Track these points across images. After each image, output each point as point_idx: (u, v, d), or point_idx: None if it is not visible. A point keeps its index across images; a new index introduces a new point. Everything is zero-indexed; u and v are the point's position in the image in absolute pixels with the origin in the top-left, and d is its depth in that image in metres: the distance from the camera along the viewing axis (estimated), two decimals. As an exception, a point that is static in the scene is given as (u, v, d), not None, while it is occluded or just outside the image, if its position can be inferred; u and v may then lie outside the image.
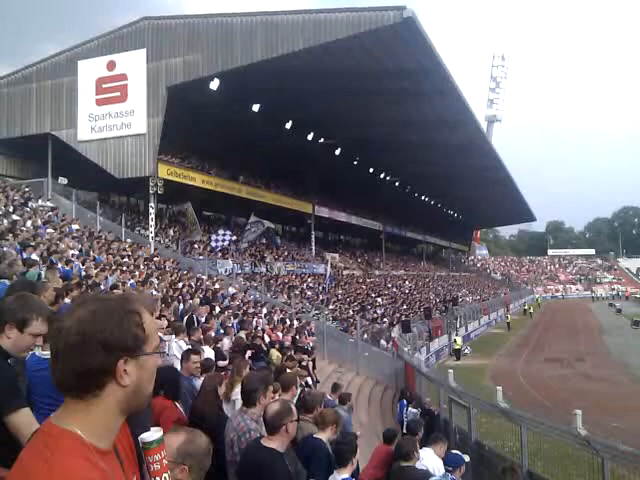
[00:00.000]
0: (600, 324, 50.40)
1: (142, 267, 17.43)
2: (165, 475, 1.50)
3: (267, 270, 32.68)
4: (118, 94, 26.94)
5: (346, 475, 4.48)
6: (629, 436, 11.32)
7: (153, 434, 1.48)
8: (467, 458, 6.14)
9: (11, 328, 2.76)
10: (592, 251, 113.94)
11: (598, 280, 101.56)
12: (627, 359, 30.05)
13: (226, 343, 10.44)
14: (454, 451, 6.50)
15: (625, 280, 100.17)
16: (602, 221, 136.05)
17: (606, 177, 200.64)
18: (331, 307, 30.26)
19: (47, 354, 2.56)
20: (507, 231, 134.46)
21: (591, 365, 28.09)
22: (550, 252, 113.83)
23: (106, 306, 1.37)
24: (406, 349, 23.94)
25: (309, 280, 35.11)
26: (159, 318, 8.88)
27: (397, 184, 53.28)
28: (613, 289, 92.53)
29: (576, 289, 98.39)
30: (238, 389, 5.65)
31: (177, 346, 7.95)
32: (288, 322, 18.65)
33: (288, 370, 8.02)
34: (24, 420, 2.56)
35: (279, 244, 34.74)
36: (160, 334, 7.23)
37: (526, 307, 62.38)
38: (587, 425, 9.52)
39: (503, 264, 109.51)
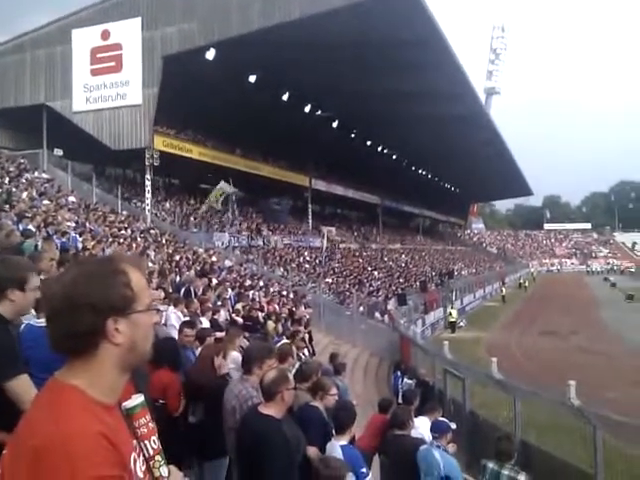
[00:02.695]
0: (595, 298, 50.77)
1: (139, 239, 17.41)
2: (153, 438, 1.52)
3: (264, 243, 32.71)
4: (113, 64, 26.58)
5: (344, 441, 4.54)
6: (623, 407, 11.48)
7: (135, 399, 1.51)
8: (454, 425, 6.21)
9: (13, 291, 2.75)
10: (588, 225, 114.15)
11: (594, 254, 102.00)
12: (621, 332, 30.31)
13: (222, 315, 10.49)
14: (440, 418, 6.58)
15: (620, 254, 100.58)
16: (599, 195, 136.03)
17: (603, 151, 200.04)
18: (328, 280, 30.38)
19: (42, 322, 2.57)
20: (504, 205, 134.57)
21: (585, 338, 28.35)
22: (546, 226, 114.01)
23: (90, 269, 1.40)
24: (402, 322, 24.11)
25: (306, 253, 35.18)
26: (156, 289, 8.90)
27: (394, 157, 53.01)
28: (608, 263, 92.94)
29: (571, 263, 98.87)
30: (230, 358, 5.71)
31: (176, 317, 7.99)
32: (285, 294, 18.75)
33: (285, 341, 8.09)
34: (23, 386, 2.58)
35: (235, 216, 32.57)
36: (158, 304, 7.26)
37: (521, 281, 62.71)
38: (581, 396, 9.65)
39: (499, 238, 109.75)
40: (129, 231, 18.47)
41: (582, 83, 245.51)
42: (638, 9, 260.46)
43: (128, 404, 1.48)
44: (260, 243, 32.31)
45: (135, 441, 1.46)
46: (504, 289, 51.71)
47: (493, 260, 79.04)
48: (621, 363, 22.39)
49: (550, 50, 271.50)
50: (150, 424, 1.53)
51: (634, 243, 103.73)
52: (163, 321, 7.41)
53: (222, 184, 28.36)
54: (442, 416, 7.10)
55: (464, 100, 37.71)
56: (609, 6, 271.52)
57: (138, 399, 1.51)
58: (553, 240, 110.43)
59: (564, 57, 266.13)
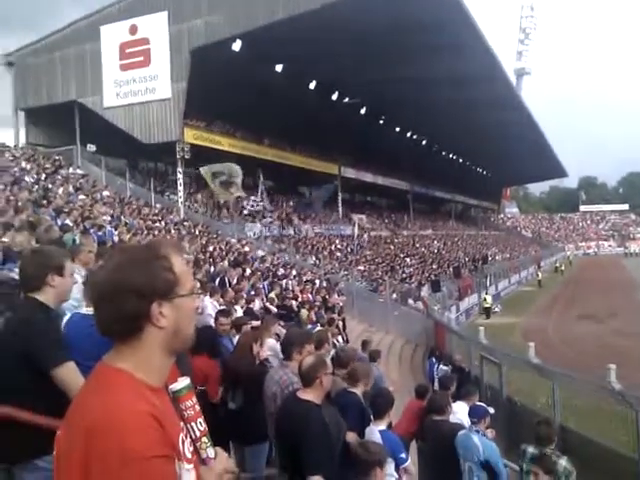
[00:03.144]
0: (633, 280, 49.52)
1: (173, 231, 17.67)
2: (200, 420, 1.54)
3: (295, 232, 32.80)
4: (141, 59, 26.87)
5: (383, 427, 4.55)
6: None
7: (181, 382, 1.53)
8: (492, 410, 6.15)
9: (53, 277, 2.87)
10: (626, 206, 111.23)
11: (632, 236, 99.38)
12: (661, 315, 29.59)
13: (257, 304, 10.59)
14: (478, 403, 6.53)
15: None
16: (636, 175, 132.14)
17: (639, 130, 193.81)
18: (360, 268, 30.34)
19: (90, 310, 2.65)
20: (538, 188, 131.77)
21: (624, 321, 27.70)
22: (582, 208, 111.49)
23: (132, 255, 1.43)
24: (436, 308, 23.96)
25: (337, 241, 35.17)
26: (192, 280, 9.03)
27: (424, 143, 52.51)
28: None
29: (609, 245, 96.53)
30: (267, 345, 5.77)
31: (212, 306, 8.10)
32: (317, 283, 18.80)
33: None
34: (70, 373, 2.65)
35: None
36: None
37: (557, 264, 61.59)
38: (621, 380, 9.44)
39: (534, 222, 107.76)
40: (163, 223, 18.76)
41: (615, 61, 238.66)
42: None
43: (175, 387, 1.51)
44: (291, 232, 32.42)
45: (182, 423, 1.48)
46: (540, 273, 50.89)
47: (528, 244, 77.72)
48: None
49: (581, 28, 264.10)
50: (196, 407, 1.55)
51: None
52: (200, 310, 7.53)
53: (203, 168, 26.62)
54: (479, 401, 7.05)
55: (494, 82, 37.01)
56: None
57: (184, 382, 1.53)
58: (589, 222, 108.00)
59: (596, 35, 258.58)
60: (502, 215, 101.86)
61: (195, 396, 1.56)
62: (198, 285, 8.47)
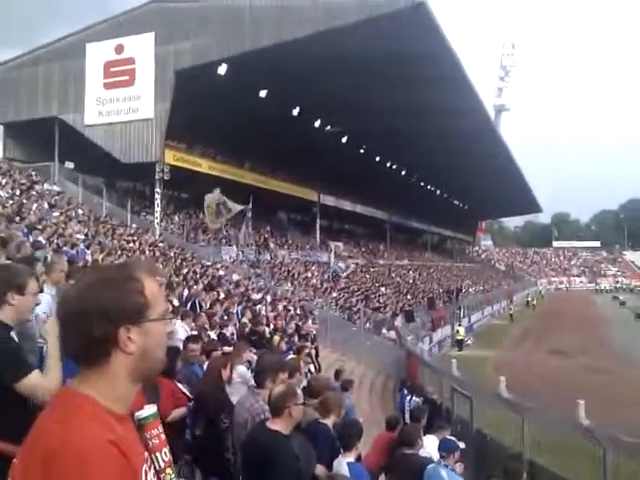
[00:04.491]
0: (604, 316, 50.31)
1: (147, 252, 17.48)
2: (165, 450, 1.50)
3: (271, 258, 32.71)
4: (126, 78, 26.90)
5: (351, 459, 4.51)
6: (632, 428, 11.32)
7: (148, 410, 1.49)
8: (462, 444, 6.15)
9: (13, 295, 2.87)
10: (597, 243, 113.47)
11: (602, 272, 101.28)
12: (631, 351, 30.01)
13: (230, 329, 10.48)
14: (448, 437, 6.52)
15: (629, 273, 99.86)
16: (608, 213, 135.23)
17: (613, 168, 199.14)
18: (334, 295, 30.31)
19: None
20: (512, 222, 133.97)
21: (594, 357, 28.05)
22: (555, 244, 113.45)
23: (103, 275, 1.39)
24: (409, 338, 23.97)
25: (313, 268, 35.15)
26: (164, 303, 8.91)
27: (403, 173, 53.08)
28: (617, 282, 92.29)
29: (580, 281, 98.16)
30: (239, 371, 5.70)
31: (183, 330, 7.98)
32: (292, 310, 18.71)
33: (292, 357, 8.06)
34: (35, 382, 2.68)
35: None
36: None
37: (529, 299, 62.27)
38: (590, 416, 9.52)
39: (507, 255, 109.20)
40: (137, 244, 18.55)
41: (591, 101, 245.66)
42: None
43: (140, 414, 1.47)
44: (267, 257, 32.32)
45: (146, 453, 1.44)
46: (512, 307, 51.37)
47: (501, 277, 78.59)
48: (630, 383, 22.12)
49: (560, 67, 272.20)
50: (162, 435, 1.51)
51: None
52: (171, 334, 7.41)
53: (208, 197, 27.18)
54: (450, 435, 7.03)
55: (474, 116, 37.78)
56: (619, 21, 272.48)
57: (151, 409, 1.49)
58: (562, 258, 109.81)
59: (573, 74, 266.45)
60: (477, 248, 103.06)
61: (161, 424, 1.53)
62: (170, 309, 8.36)
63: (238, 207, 27.03)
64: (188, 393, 5.10)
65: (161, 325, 1.41)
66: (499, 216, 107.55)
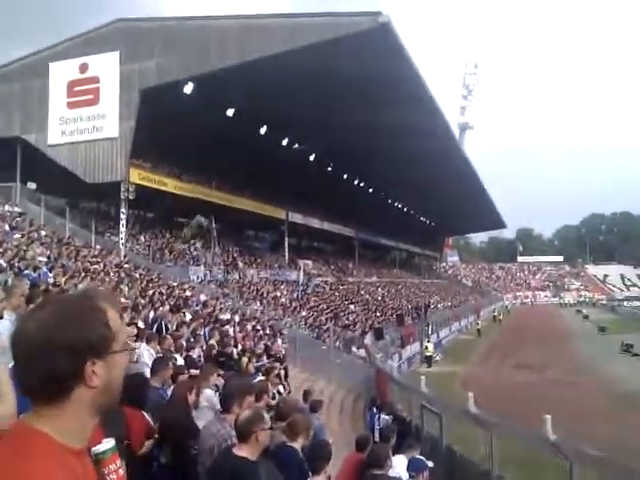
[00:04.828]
0: (568, 330, 51.27)
1: (112, 274, 17.16)
2: None
3: (240, 277, 32.48)
4: (90, 97, 26.61)
5: (319, 483, 4.47)
6: (597, 441, 11.50)
7: (106, 444, 1.44)
8: (431, 463, 6.16)
9: None
10: (560, 258, 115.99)
11: (566, 287, 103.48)
12: (595, 365, 30.62)
13: (197, 351, 10.33)
14: (417, 456, 6.52)
15: (592, 287, 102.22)
16: (570, 228, 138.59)
17: (575, 184, 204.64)
18: (304, 314, 30.21)
19: None
20: (478, 238, 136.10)
21: (560, 371, 28.50)
22: (520, 259, 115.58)
23: (68, 306, 1.32)
24: (378, 356, 23.99)
25: (282, 287, 35.02)
26: (128, 325, 8.74)
27: (371, 191, 53.54)
28: (581, 295, 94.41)
29: (545, 295, 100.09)
30: (205, 395, 5.61)
31: (148, 354, 7.83)
32: (261, 330, 18.56)
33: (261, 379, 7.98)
34: None
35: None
36: (131, 341, 7.13)
37: (495, 313, 63.13)
38: (556, 430, 9.63)
39: (474, 271, 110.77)
40: (102, 265, 18.21)
41: (553, 118, 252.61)
42: (607, 44, 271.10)
43: (98, 449, 1.42)
44: (236, 277, 32.08)
45: None
46: (479, 322, 51.97)
47: (468, 293, 79.58)
48: (595, 396, 22.53)
49: (522, 85, 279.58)
50: (120, 470, 1.47)
51: (605, 275, 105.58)
52: (135, 358, 7.26)
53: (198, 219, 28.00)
54: (420, 452, 7.03)
55: (439, 135, 38.42)
56: (578, 42, 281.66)
57: (108, 444, 1.45)
58: (526, 273, 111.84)
59: (536, 92, 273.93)
60: (444, 263, 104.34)
61: (120, 458, 1.49)
62: (133, 334, 8.21)
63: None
64: (151, 422, 4.99)
65: (123, 356, 1.37)
66: (465, 232, 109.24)
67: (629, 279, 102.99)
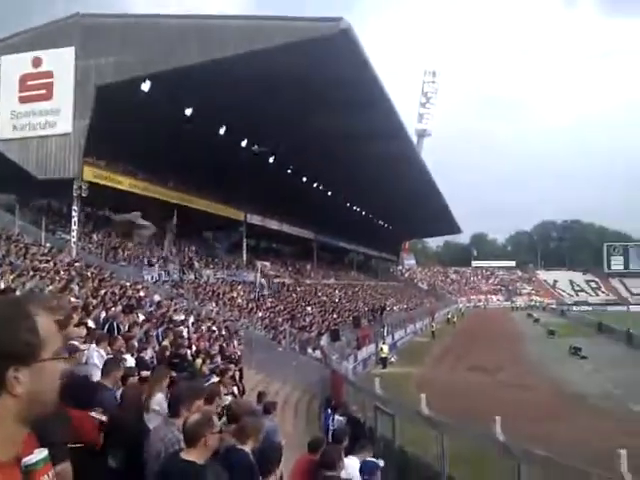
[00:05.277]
0: (519, 333, 52.63)
1: (62, 273, 16.71)
2: None
3: (196, 277, 32.10)
4: (43, 92, 25.85)
5: (269, 485, 4.45)
6: (547, 442, 11.83)
7: (37, 455, 1.37)
8: (381, 463, 6.23)
9: None
10: (513, 263, 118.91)
11: (518, 291, 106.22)
12: (544, 367, 31.51)
13: (149, 352, 10.15)
14: (368, 458, 6.57)
15: (542, 291, 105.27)
16: (523, 234, 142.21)
17: (527, 192, 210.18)
18: (260, 315, 30.07)
19: None
20: (434, 242, 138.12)
21: (511, 373, 29.20)
22: (474, 263, 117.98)
23: None
24: (334, 357, 24.10)
25: (239, 288, 34.79)
26: (78, 326, 8.53)
27: (330, 193, 53.75)
28: (532, 300, 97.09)
29: (497, 299, 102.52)
30: (157, 399, 5.51)
31: (98, 355, 7.65)
32: (216, 331, 18.38)
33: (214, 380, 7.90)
34: None
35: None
36: (77, 342, 6.96)
37: (450, 316, 64.28)
38: (506, 431, 9.87)
39: (430, 274, 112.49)
40: (52, 264, 17.72)
41: (508, 128, 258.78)
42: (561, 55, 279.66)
43: (29, 460, 1.34)
44: (192, 277, 31.68)
45: None
46: (434, 324, 52.80)
47: (424, 296, 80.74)
48: (544, 397, 23.19)
49: (478, 94, 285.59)
50: None
51: (555, 281, 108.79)
52: (84, 359, 7.09)
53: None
54: (373, 453, 7.08)
55: (397, 140, 38.91)
56: (535, 52, 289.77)
57: (40, 454, 1.38)
58: (480, 277, 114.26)
59: (491, 102, 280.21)
60: (401, 267, 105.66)
61: (52, 469, 1.43)
62: (84, 333, 8.01)
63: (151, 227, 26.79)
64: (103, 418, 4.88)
65: (54, 365, 1.32)
66: (422, 236, 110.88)
67: (578, 285, 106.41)
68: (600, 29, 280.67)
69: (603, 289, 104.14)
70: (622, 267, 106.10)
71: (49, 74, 25.82)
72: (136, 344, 9.33)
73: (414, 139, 69.61)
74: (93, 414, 4.85)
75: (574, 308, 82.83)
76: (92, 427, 4.73)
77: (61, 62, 25.63)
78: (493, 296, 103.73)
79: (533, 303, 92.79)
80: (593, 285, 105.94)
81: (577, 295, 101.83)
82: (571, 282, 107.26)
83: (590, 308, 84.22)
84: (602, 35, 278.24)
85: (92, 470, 4.48)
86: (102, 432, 4.77)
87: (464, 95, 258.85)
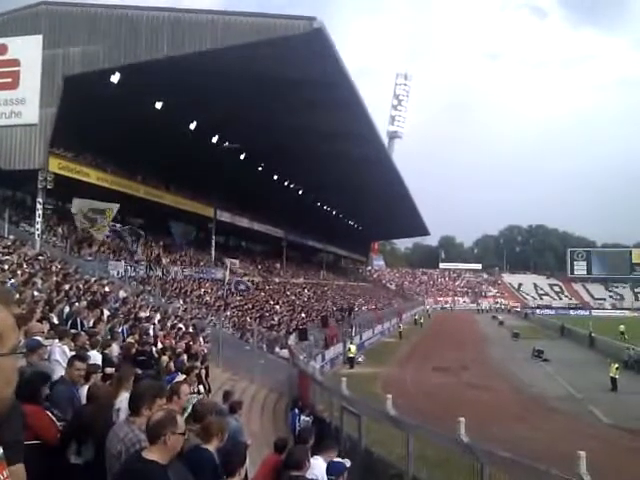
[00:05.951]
0: (484, 335, 53.44)
1: (25, 266, 16.29)
2: None
3: (163, 274, 31.69)
4: (9, 80, 25.20)
5: (233, 485, 4.39)
6: (507, 442, 12.01)
7: None
8: (348, 463, 6.23)
9: None
10: (479, 266, 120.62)
11: (484, 293, 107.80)
12: (508, 369, 32.04)
13: (115, 349, 9.95)
14: (335, 459, 6.56)
15: (507, 294, 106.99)
16: (489, 238, 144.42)
17: (494, 196, 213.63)
18: (228, 314, 29.84)
19: None
20: (403, 243, 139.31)
21: (475, 374, 29.60)
22: (441, 265, 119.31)
23: None
24: (302, 357, 24.05)
25: (207, 285, 34.47)
26: (41, 321, 8.31)
27: (300, 192, 53.73)
28: (497, 302, 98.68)
29: (463, 301, 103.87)
30: (122, 397, 5.38)
31: (60, 351, 7.46)
32: (183, 328, 18.15)
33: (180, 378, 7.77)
34: None
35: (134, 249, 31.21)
36: (40, 338, 6.79)
37: (417, 317, 64.89)
38: (469, 432, 9.97)
39: (398, 275, 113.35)
40: (15, 257, 17.26)
41: (478, 132, 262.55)
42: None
43: None
44: (159, 273, 31.27)
45: None
46: (401, 325, 53.22)
47: (392, 297, 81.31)
48: (507, 399, 23.58)
49: (449, 98, 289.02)
50: None
51: (520, 284, 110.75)
52: (46, 356, 6.90)
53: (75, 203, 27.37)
54: (338, 453, 7.06)
55: (368, 141, 39.07)
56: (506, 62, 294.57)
57: None
58: (447, 279, 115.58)
59: (461, 106, 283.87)
60: (370, 267, 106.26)
61: (7, 468, 1.37)
62: (46, 329, 7.81)
63: (113, 205, 26.62)
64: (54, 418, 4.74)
65: (10, 360, 1.29)
66: (391, 237, 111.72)
67: (542, 288, 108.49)
68: (566, 38, 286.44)
69: (566, 293, 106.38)
70: (585, 272, 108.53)
71: (15, 62, 25.17)
72: (100, 340, 9.13)
73: (385, 141, 70.00)
74: (45, 411, 4.72)
75: (538, 311, 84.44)
76: (48, 423, 4.59)
77: (28, 50, 25.02)
78: (460, 298, 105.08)
79: (498, 306, 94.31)
80: (556, 289, 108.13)
81: (541, 299, 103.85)
82: (535, 286, 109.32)
83: (553, 312, 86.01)
84: (568, 44, 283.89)
85: (49, 467, 4.35)
86: (58, 429, 4.65)
87: (436, 99, 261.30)
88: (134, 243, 29.19)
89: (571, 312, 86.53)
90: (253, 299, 36.67)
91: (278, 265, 55.15)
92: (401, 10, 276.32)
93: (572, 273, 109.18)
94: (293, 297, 45.06)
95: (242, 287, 34.77)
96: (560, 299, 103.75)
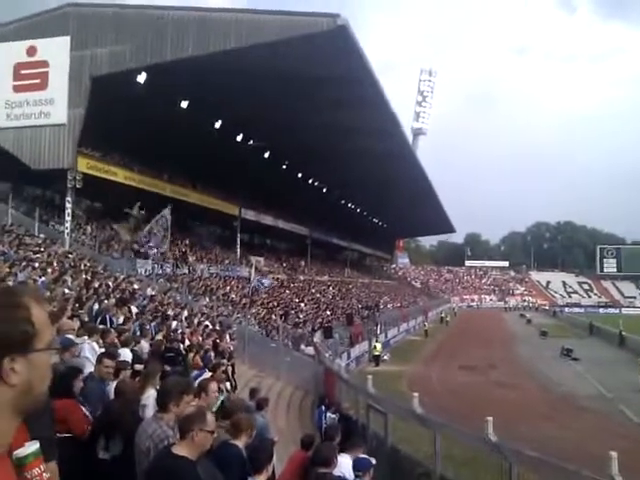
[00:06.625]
0: (512, 333, 52.78)
1: (55, 264, 16.59)
2: None
3: (189, 272, 31.98)
4: (38, 81, 25.64)
5: (262, 480, 4.40)
6: (536, 442, 11.84)
7: (28, 447, 1.35)
8: (374, 460, 6.20)
9: None
10: (506, 263, 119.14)
11: (511, 291, 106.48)
12: (536, 367, 31.58)
13: (144, 346, 10.07)
14: (361, 455, 6.53)
15: (535, 292, 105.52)
16: (516, 235, 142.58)
17: (521, 193, 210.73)
18: (254, 311, 30.00)
19: None
20: (428, 241, 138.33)
21: (503, 372, 29.24)
22: (467, 263, 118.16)
23: None
24: (327, 354, 24.06)
25: (233, 283, 34.69)
26: (71, 318, 8.45)
27: (325, 190, 53.68)
28: (524, 300, 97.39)
29: (490, 299, 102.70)
30: (148, 394, 5.44)
31: (90, 348, 7.58)
32: (209, 325, 18.30)
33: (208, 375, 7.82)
34: None
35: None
36: (71, 336, 6.90)
37: (443, 315, 64.41)
38: (498, 431, 9.85)
39: (423, 273, 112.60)
40: (45, 255, 17.58)
41: (504, 128, 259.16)
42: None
43: (20, 453, 1.33)
44: (185, 271, 31.56)
45: None
46: (427, 323, 52.87)
47: (417, 294, 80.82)
48: (535, 398, 23.24)
49: (475, 93, 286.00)
50: (45, 474, 1.38)
51: (548, 282, 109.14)
52: (77, 352, 7.01)
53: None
54: (365, 451, 7.03)
55: (393, 138, 38.83)
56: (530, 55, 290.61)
57: (32, 447, 1.35)
58: (473, 277, 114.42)
59: (487, 102, 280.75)
60: (394, 265, 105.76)
61: (43, 463, 1.39)
62: (77, 326, 7.93)
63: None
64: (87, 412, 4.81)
65: (47, 356, 1.31)
66: (416, 235, 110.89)
67: (570, 286, 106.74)
68: (596, 32, 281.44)
69: (595, 291, 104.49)
70: (615, 270, 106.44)
71: (44, 63, 25.61)
72: (130, 337, 9.25)
73: (410, 137, 69.57)
74: (78, 404, 4.79)
75: (566, 309, 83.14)
76: (81, 417, 4.66)
77: (56, 51, 25.43)
78: (486, 296, 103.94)
79: (526, 304, 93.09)
80: (585, 287, 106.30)
81: (569, 297, 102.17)
82: (564, 283, 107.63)
83: (582, 310, 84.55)
84: (597, 38, 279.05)
85: (80, 461, 4.41)
86: (90, 423, 4.72)
87: (461, 94, 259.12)
88: (164, 238, 29.46)
89: (600, 310, 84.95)
90: (278, 297, 36.81)
91: (303, 263, 55.23)
92: (425, 4, 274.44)
93: (602, 271, 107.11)
94: (318, 295, 45.09)
95: (266, 284, 34.79)
96: (589, 297, 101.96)
